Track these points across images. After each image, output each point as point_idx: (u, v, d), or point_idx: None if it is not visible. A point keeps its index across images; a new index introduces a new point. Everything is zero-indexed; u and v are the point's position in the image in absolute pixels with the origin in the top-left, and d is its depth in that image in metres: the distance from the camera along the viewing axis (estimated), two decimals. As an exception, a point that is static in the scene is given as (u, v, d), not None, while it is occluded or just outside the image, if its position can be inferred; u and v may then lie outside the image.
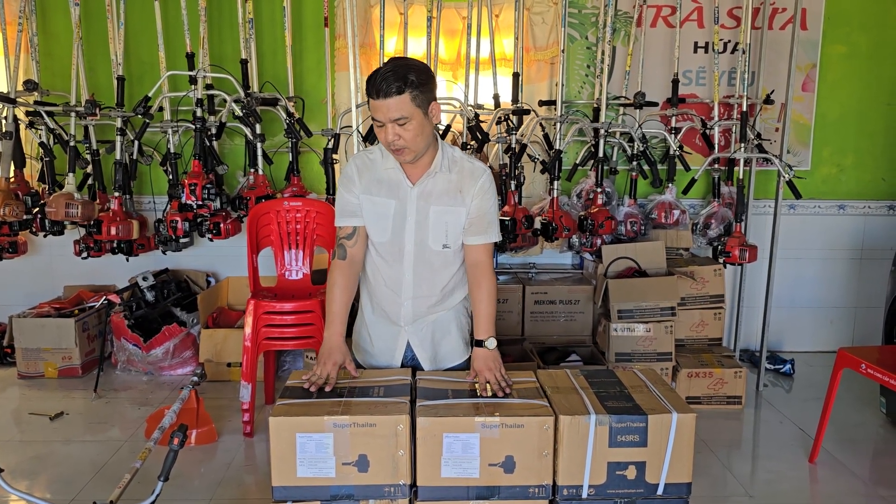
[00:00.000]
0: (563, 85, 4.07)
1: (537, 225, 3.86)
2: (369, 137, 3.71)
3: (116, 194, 3.91)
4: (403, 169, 2.17)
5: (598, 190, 3.95)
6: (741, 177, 3.87)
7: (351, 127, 3.75)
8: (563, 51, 4.04)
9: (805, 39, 4.30)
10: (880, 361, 2.95)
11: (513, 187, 3.81)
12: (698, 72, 4.39)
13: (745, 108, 3.87)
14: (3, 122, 3.87)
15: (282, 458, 1.84)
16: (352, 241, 2.23)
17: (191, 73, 3.82)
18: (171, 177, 3.93)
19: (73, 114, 3.93)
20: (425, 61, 3.97)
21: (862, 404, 3.84)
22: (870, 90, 4.45)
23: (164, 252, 4.18)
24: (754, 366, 4.29)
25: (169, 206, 3.90)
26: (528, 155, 3.93)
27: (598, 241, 4.01)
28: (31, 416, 3.62)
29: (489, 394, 2.00)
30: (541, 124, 4.02)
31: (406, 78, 1.97)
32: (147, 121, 3.74)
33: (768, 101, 4.17)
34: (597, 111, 4.09)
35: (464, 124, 3.92)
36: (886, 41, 4.40)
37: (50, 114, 3.90)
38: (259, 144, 3.92)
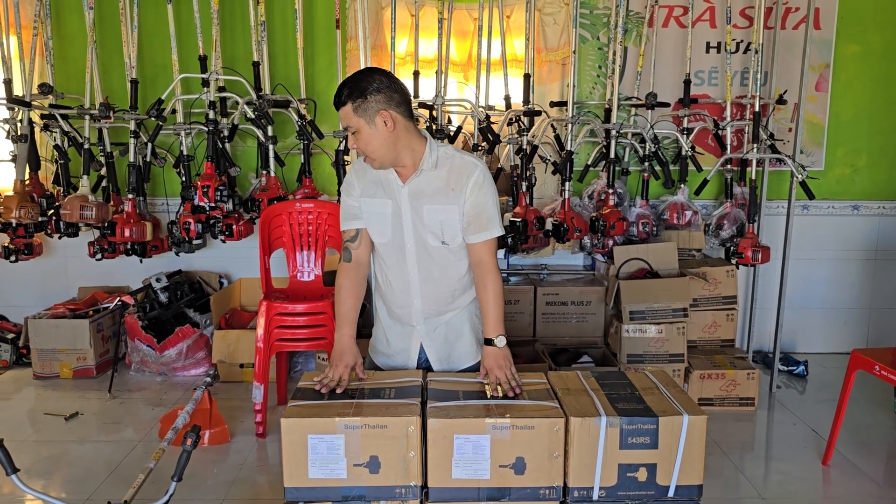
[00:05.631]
0: (574, 86, 4.06)
1: (549, 226, 3.86)
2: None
3: (130, 196, 3.94)
4: (395, 169, 2.17)
5: (610, 191, 3.94)
6: (754, 177, 3.85)
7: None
8: (574, 52, 4.04)
9: (818, 39, 4.28)
10: (894, 363, 2.93)
11: (524, 188, 3.82)
12: (710, 72, 4.37)
13: (757, 109, 3.85)
14: (19, 125, 3.91)
15: (293, 459, 1.85)
16: (356, 243, 2.25)
17: (203, 75, 3.85)
18: (184, 179, 3.96)
19: (87, 116, 3.97)
20: (436, 63, 3.98)
21: (875, 406, 3.81)
22: (884, 89, 4.42)
23: (177, 253, 4.21)
24: (767, 367, 4.27)
25: (182, 207, 3.93)
26: (540, 156, 3.93)
27: (610, 242, 4.00)
28: (47, 417, 3.66)
29: (500, 393, 2.00)
30: (552, 125, 4.02)
31: (342, 92, 2.03)
32: (160, 123, 3.77)
33: (781, 101, 4.15)
34: (608, 112, 4.08)
35: (475, 125, 3.93)
36: (901, 40, 4.36)
37: (64, 117, 3.94)
38: (271, 146, 3.94)
